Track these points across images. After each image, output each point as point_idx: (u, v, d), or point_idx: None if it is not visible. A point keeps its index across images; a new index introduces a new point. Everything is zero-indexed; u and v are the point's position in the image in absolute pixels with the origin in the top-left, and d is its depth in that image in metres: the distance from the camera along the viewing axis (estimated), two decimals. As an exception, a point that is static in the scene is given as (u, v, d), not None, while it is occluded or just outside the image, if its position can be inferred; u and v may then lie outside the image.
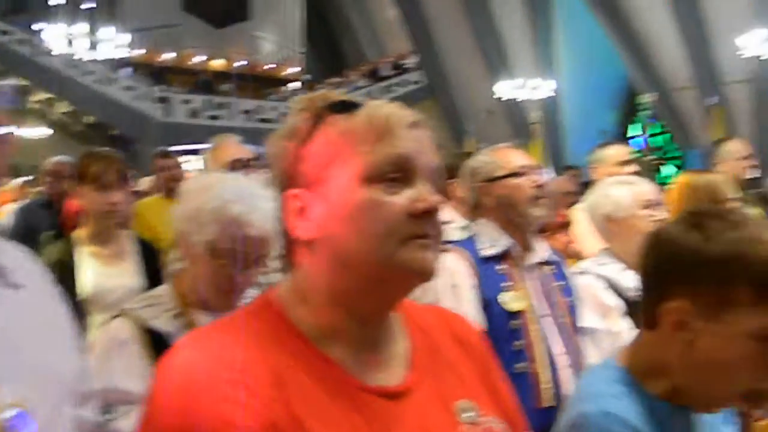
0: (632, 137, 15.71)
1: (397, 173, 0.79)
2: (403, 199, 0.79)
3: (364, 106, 0.83)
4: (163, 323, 1.44)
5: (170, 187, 3.70)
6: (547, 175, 2.59)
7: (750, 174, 3.86)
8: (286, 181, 0.83)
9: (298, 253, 0.83)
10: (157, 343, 1.38)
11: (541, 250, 2.08)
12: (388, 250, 0.77)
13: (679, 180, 3.29)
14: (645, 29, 13.64)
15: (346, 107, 0.83)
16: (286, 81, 23.62)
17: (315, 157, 0.81)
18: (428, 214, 0.79)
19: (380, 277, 0.79)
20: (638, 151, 14.81)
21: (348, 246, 0.78)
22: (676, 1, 12.64)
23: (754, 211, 3.80)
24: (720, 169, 3.78)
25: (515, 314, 1.94)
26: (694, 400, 1.05)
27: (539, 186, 2.07)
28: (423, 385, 0.83)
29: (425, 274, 0.80)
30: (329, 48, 25.17)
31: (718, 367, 0.99)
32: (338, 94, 0.86)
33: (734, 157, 3.84)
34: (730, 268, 0.96)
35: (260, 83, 22.53)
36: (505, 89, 14.66)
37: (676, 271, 1.01)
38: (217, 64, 23.45)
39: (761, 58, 10.93)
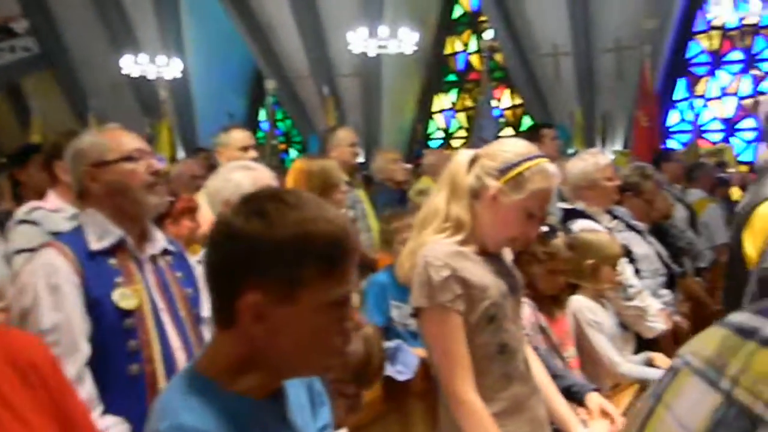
0: (261, 122, 16.23)
1: None
2: None
3: None
4: None
5: None
6: (162, 161, 2.42)
7: (356, 159, 4.23)
8: None
9: None
10: None
11: (159, 239, 1.93)
12: None
13: (295, 165, 3.43)
14: (266, 17, 14.11)
15: None
16: None
17: None
18: None
19: None
20: (264, 136, 15.36)
21: None
22: (294, -7, 13.30)
23: (359, 192, 4.19)
24: (332, 154, 4.06)
25: (129, 312, 1.76)
26: (292, 376, 1.05)
27: (155, 172, 1.91)
28: None
29: None
30: None
31: (306, 345, 0.99)
32: None
33: (344, 143, 4.15)
34: (296, 249, 0.96)
35: None
36: (131, 65, 13.78)
37: (244, 263, 0.97)
38: None
39: (367, 55, 12.20)
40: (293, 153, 15.83)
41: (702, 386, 0.43)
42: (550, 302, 2.68)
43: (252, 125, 14.92)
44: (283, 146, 15.61)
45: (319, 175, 3.26)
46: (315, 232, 0.96)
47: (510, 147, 1.82)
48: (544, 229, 2.52)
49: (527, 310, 2.44)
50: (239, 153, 3.41)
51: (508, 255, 1.99)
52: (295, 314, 0.97)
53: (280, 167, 8.39)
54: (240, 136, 3.55)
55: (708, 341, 0.45)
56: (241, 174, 2.40)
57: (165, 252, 1.93)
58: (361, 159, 4.31)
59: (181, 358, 1.80)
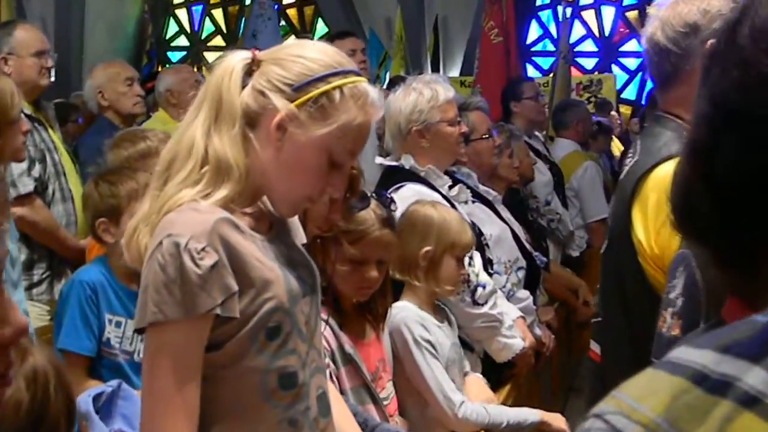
0: None
1: None
2: None
3: None
4: None
5: None
6: None
7: (47, 78, 4.02)
8: None
9: None
10: None
11: None
12: None
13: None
14: None
15: None
16: None
17: None
18: None
19: None
20: None
21: None
22: None
23: (52, 133, 3.98)
24: (6, 69, 3.87)
25: None
26: None
27: None
28: None
29: None
30: None
31: None
32: None
33: (25, 51, 3.96)
34: None
35: None
36: None
37: None
38: None
39: None
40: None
41: None
42: (360, 315, 2.71)
43: None
44: None
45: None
46: None
47: (311, 52, 1.79)
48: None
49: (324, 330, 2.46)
50: None
51: (300, 235, 1.97)
52: None
53: None
54: None
55: (646, 394, 0.45)
56: None
57: None
58: (52, 77, 4.11)
59: None
